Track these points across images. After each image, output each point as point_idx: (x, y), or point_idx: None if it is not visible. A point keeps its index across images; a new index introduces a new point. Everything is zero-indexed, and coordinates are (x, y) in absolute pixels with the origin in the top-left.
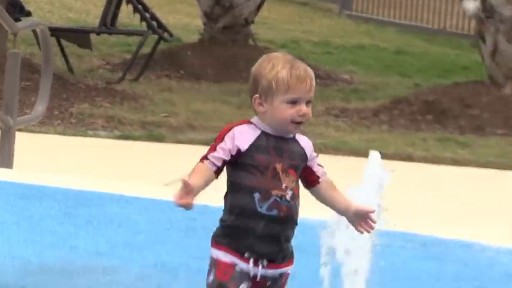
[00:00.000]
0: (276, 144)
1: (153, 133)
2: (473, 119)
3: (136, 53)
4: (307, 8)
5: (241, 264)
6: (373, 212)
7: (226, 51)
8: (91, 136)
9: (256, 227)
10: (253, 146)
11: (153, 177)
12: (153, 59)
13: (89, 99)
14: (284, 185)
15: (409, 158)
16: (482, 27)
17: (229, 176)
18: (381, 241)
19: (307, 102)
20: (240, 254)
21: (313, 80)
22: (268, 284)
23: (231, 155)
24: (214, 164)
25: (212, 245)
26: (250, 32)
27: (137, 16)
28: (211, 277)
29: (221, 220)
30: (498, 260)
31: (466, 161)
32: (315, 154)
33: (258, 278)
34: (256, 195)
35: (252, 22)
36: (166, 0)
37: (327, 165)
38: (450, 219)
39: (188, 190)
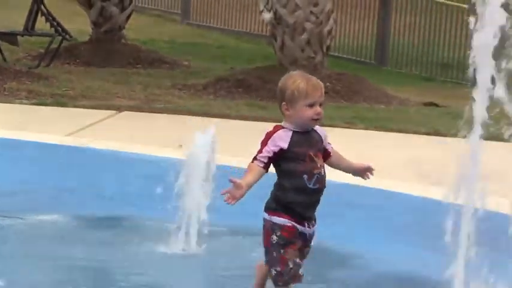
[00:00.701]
0: (305, 137)
1: (58, 101)
2: (269, 91)
3: (47, 49)
4: (160, 18)
5: (298, 227)
6: (369, 166)
7: (107, 47)
8: (18, 103)
9: (307, 198)
10: (291, 143)
11: (57, 128)
12: (59, 52)
13: (17, 79)
14: (319, 164)
15: (227, 116)
16: (274, 30)
17: (280, 166)
18: None
19: (320, 104)
20: (297, 219)
21: (323, 88)
22: (311, 239)
23: (274, 153)
24: (262, 162)
25: (272, 214)
26: (122, 34)
27: (48, 24)
28: (274, 237)
29: (278, 196)
30: None
31: (264, 118)
32: (326, 135)
33: (307, 235)
34: (305, 177)
35: (124, 28)
36: (67, 13)
37: (178, 123)
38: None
39: (237, 186)
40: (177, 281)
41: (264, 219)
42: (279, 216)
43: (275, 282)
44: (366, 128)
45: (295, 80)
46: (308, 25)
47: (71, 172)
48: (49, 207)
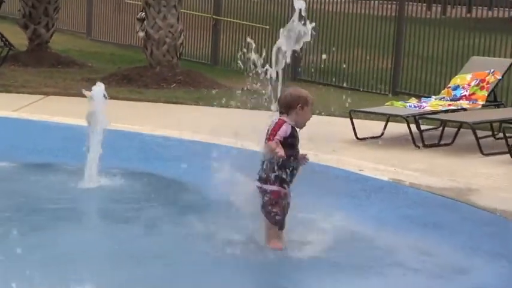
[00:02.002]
0: (296, 132)
1: (7, 89)
2: (143, 82)
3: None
4: (72, 35)
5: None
6: (305, 155)
7: (38, 54)
8: None
9: (293, 171)
10: (289, 134)
11: (6, 106)
12: (7, 57)
13: None
14: (298, 151)
15: (116, 98)
16: (146, 43)
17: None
18: None
19: None
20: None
21: None
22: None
23: (283, 138)
24: (278, 140)
25: (273, 184)
26: (48, 46)
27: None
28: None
29: (277, 178)
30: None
31: (140, 99)
32: None
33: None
34: (291, 158)
35: (49, 42)
36: (11, 32)
37: (85, 102)
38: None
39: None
40: (83, 210)
41: None
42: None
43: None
44: (205, 105)
45: (302, 91)
46: (167, 40)
47: (17, 135)
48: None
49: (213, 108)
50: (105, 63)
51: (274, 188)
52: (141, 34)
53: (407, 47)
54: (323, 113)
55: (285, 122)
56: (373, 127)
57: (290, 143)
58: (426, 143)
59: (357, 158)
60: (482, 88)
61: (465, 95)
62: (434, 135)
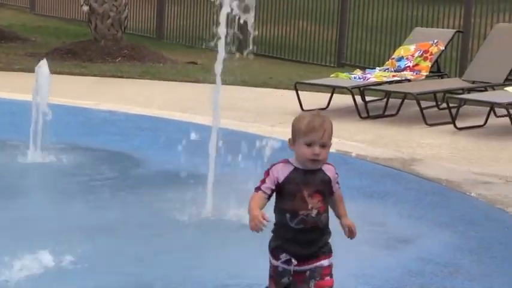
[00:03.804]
0: (304, 176)
1: None
2: (88, 56)
3: None
4: (16, 10)
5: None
6: (351, 228)
7: None
8: None
9: (290, 236)
10: (287, 179)
11: None
12: None
13: None
14: (310, 206)
15: (60, 73)
16: (90, 17)
17: (276, 199)
18: None
19: (322, 146)
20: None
21: (328, 130)
22: (307, 274)
23: (275, 185)
24: (266, 193)
25: (269, 251)
26: None
27: None
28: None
29: (272, 230)
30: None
31: (85, 74)
32: (336, 176)
33: (292, 272)
34: (287, 215)
35: None
36: None
37: (30, 77)
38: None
39: (255, 216)
40: (27, 185)
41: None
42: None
43: None
44: (151, 79)
45: (302, 118)
46: (111, 13)
47: None
48: None
49: (159, 82)
50: (49, 37)
51: (269, 257)
52: (85, 8)
53: (351, 18)
54: (269, 86)
55: (287, 160)
56: (319, 99)
57: (287, 191)
58: (371, 114)
59: None
60: (425, 59)
61: (409, 66)
62: (379, 106)
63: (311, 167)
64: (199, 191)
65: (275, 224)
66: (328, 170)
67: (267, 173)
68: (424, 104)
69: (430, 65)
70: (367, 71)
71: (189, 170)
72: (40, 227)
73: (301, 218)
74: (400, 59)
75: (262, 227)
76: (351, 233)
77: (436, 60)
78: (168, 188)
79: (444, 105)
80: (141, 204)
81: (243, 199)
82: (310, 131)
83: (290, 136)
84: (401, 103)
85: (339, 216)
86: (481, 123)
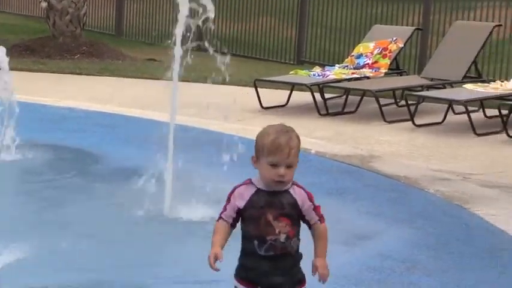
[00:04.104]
0: (268, 198)
1: None
2: (46, 53)
3: None
4: None
5: None
6: (323, 276)
7: None
8: None
9: (259, 265)
10: (249, 203)
11: None
12: None
13: None
14: (277, 230)
15: (20, 70)
16: (48, 14)
17: (241, 225)
18: None
19: (288, 166)
20: (250, 284)
21: (295, 148)
22: None
23: (236, 212)
24: (227, 221)
25: (235, 278)
26: None
27: None
28: None
29: (239, 258)
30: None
31: (43, 70)
32: (309, 203)
33: None
34: (255, 242)
35: None
36: None
37: None
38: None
39: (209, 257)
40: None
41: None
42: (237, 281)
43: None
44: (110, 76)
45: (265, 135)
46: (70, 10)
47: None
48: None
49: (118, 79)
50: (7, 34)
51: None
52: (44, 4)
53: (311, 16)
54: (229, 83)
55: (249, 180)
56: (278, 96)
57: (251, 216)
58: (330, 111)
59: (262, 126)
60: (384, 56)
61: (368, 63)
62: (338, 103)
63: (276, 189)
64: (157, 187)
65: (243, 253)
66: (296, 193)
67: (228, 199)
68: (382, 101)
69: (389, 63)
70: (327, 68)
71: (148, 167)
72: None
73: (269, 244)
74: (359, 56)
75: (214, 270)
76: (320, 277)
77: (395, 58)
78: (127, 184)
79: (403, 102)
80: (99, 200)
81: (201, 196)
82: (274, 151)
83: (254, 152)
84: (360, 100)
85: (315, 253)
86: (440, 120)
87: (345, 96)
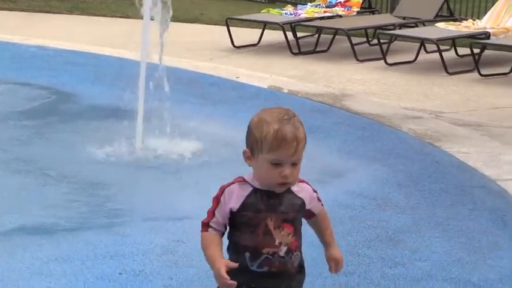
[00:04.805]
0: (268, 199)
1: None
2: None
3: None
4: None
5: None
6: (339, 262)
7: None
8: None
9: (251, 282)
10: (244, 205)
11: None
12: None
13: None
14: (277, 241)
15: None
16: None
17: (229, 233)
18: None
19: (293, 164)
20: None
21: (301, 141)
22: None
23: (229, 218)
24: (218, 230)
25: None
26: None
27: None
28: None
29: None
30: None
31: (14, 9)
32: (315, 195)
33: None
34: (247, 255)
35: None
36: None
37: None
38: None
39: (221, 276)
40: None
41: None
42: None
43: None
44: (80, 14)
45: (264, 124)
46: None
47: None
48: None
49: (88, 18)
50: None
51: None
52: None
53: None
54: (200, 22)
55: (242, 178)
56: (250, 35)
57: (245, 221)
58: (302, 50)
59: (234, 65)
60: None
61: (340, 2)
62: (310, 42)
63: (278, 191)
64: (129, 125)
65: (231, 270)
66: (302, 190)
67: (216, 201)
68: (355, 40)
69: (361, 1)
70: (299, 7)
71: (119, 105)
72: None
73: (265, 258)
74: None
75: (231, 285)
76: (336, 269)
77: None
78: (98, 122)
79: (375, 41)
80: (70, 138)
81: (171, 132)
82: (278, 146)
83: (246, 145)
84: (333, 39)
85: (323, 243)
86: (412, 59)
87: (317, 35)
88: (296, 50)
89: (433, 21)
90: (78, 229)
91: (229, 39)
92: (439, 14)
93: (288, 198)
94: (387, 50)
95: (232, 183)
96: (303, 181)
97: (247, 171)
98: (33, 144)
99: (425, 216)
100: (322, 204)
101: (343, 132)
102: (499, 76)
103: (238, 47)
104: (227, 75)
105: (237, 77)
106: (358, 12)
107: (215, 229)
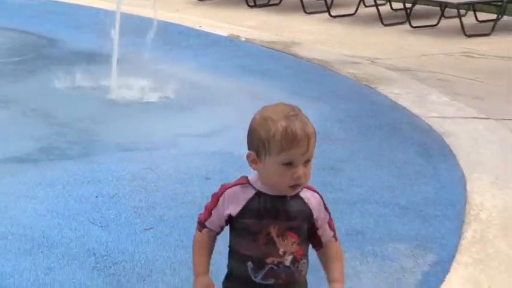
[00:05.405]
0: (272, 205)
1: None
2: None
3: None
4: None
5: None
6: None
7: None
8: None
9: None
10: (245, 210)
11: None
12: None
13: None
14: (281, 250)
15: None
16: None
17: (230, 237)
18: None
19: (308, 161)
20: None
21: (313, 137)
22: None
23: (225, 221)
24: (213, 230)
25: None
26: None
27: None
28: None
29: (224, 280)
30: None
31: None
32: (325, 213)
33: None
34: (249, 264)
35: None
36: None
37: None
38: None
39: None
40: None
41: None
42: None
43: None
44: None
45: (271, 122)
46: None
47: None
48: None
49: None
50: None
51: None
52: None
53: None
54: None
55: (245, 179)
56: None
57: (246, 228)
58: (257, 3)
59: (198, 16)
60: None
61: None
62: None
63: (289, 194)
64: (105, 68)
65: (231, 276)
66: (311, 198)
67: (214, 201)
68: None
69: None
70: None
71: (96, 50)
72: None
73: (269, 269)
74: None
75: None
76: None
77: None
78: (78, 65)
79: None
80: (53, 79)
81: (144, 76)
82: (290, 146)
83: (248, 148)
84: None
85: (328, 279)
86: (352, 12)
87: None
88: (252, 3)
89: None
90: (60, 158)
91: None
92: None
93: (295, 204)
94: (331, 4)
95: (235, 184)
96: (312, 189)
97: (201, 115)
98: (19, 82)
99: (361, 148)
100: (334, 237)
101: (292, 74)
102: (428, 28)
103: (202, 0)
104: (192, 25)
105: (200, 26)
106: None
107: (210, 229)
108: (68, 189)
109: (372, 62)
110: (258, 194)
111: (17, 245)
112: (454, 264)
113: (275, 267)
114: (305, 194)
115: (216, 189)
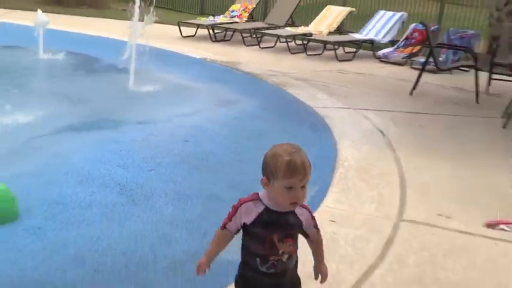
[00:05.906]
0: (276, 218)
1: None
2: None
3: None
4: None
5: None
6: (324, 276)
7: None
8: None
9: (259, 278)
10: (256, 221)
11: None
12: None
13: None
14: (281, 251)
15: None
16: None
17: (243, 237)
18: None
19: (302, 187)
20: None
21: (309, 168)
22: None
23: (241, 226)
24: (231, 231)
25: (235, 286)
26: None
27: None
28: None
29: (239, 267)
30: None
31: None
32: (311, 222)
33: None
34: (258, 260)
35: None
36: None
37: None
38: None
39: (200, 264)
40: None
41: None
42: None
43: None
44: (95, 17)
45: (278, 156)
46: None
47: None
48: None
49: (102, 19)
50: None
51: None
52: None
53: None
54: (157, 22)
55: (257, 196)
56: (191, 31)
57: (256, 234)
58: (218, 39)
59: (182, 46)
60: (246, 11)
61: (237, 15)
62: (222, 35)
63: (289, 209)
64: (124, 74)
65: (245, 264)
66: (302, 214)
67: (234, 211)
68: (244, 34)
69: (248, 14)
70: (216, 16)
71: (118, 66)
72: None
73: (271, 263)
74: (232, 11)
75: (199, 274)
76: (322, 279)
77: (251, 12)
78: (105, 72)
79: (254, 36)
80: (86, 78)
81: (149, 79)
82: (291, 173)
83: (262, 174)
84: (233, 34)
85: (314, 258)
86: (272, 45)
87: (225, 32)
88: (214, 39)
89: (284, 26)
90: (99, 129)
91: (179, 32)
92: (287, 22)
93: (291, 218)
94: (260, 41)
95: (249, 200)
96: (306, 207)
97: (183, 103)
98: (64, 82)
99: (275, 126)
100: (316, 227)
101: (238, 81)
102: (316, 55)
103: (185, 37)
104: (178, 51)
105: (183, 52)
106: (246, 20)
107: (228, 230)
108: (105, 146)
109: (284, 74)
110: (266, 209)
111: (75, 178)
112: (329, 192)
113: (275, 263)
114: (299, 210)
115: (194, 152)
